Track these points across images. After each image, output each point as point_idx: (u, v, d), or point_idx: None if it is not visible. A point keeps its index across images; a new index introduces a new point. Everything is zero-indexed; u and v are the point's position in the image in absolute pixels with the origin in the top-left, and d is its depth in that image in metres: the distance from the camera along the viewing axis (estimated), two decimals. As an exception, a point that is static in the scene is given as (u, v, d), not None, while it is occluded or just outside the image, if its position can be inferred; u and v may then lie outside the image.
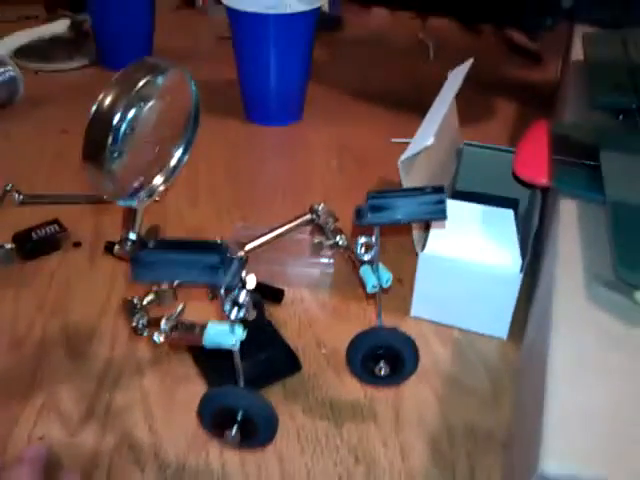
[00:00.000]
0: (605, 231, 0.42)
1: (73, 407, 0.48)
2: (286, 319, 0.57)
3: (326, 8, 1.16)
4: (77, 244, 0.64)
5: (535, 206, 0.58)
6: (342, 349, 0.54)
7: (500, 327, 0.55)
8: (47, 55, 1.04)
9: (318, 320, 0.57)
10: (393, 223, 0.38)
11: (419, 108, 0.57)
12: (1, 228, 0.64)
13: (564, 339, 0.35)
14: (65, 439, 0.46)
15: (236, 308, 0.35)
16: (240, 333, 0.36)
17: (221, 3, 0.83)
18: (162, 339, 0.38)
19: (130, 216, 0.39)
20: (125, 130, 0.35)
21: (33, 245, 0.61)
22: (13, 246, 0.61)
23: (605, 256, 0.40)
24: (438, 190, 0.38)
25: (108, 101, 0.35)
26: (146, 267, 0.32)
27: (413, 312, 0.57)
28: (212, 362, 0.50)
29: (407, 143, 0.56)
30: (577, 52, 0.74)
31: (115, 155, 0.35)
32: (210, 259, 0.32)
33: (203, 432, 0.46)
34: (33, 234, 0.62)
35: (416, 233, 0.53)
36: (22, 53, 1.04)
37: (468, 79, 0.66)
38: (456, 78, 0.62)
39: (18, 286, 0.59)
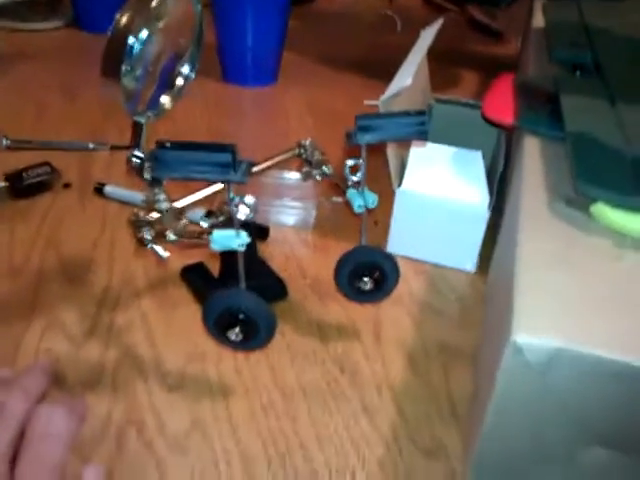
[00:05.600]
0: (565, 159, 0.47)
1: (76, 326, 0.51)
2: (272, 254, 0.61)
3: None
4: (67, 185, 0.67)
5: (500, 154, 0.63)
6: (324, 280, 0.58)
7: (469, 261, 0.60)
8: (22, 15, 1.05)
9: (301, 255, 0.62)
10: (380, 142, 0.43)
11: (389, 75, 0.60)
12: (-9, 170, 0.66)
13: (529, 241, 0.40)
14: (70, 353, 0.49)
15: (242, 210, 0.38)
16: (244, 237, 0.40)
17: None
18: (168, 254, 0.42)
19: (137, 133, 0.42)
20: (140, 47, 0.38)
21: (25, 184, 0.63)
22: (6, 184, 0.63)
23: (566, 180, 0.45)
24: (420, 113, 0.42)
25: (124, 20, 0.38)
26: (164, 164, 0.35)
27: (389, 248, 0.62)
28: (205, 285, 0.54)
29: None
30: (538, 22, 0.80)
31: (130, 71, 0.39)
32: (222, 157, 0.35)
33: (201, 348, 0.50)
34: (24, 174, 0.64)
35: (393, 171, 0.57)
36: (-4, 13, 1.04)
37: (431, 52, 0.70)
38: (428, 35, 0.67)
39: (12, 222, 0.61)
